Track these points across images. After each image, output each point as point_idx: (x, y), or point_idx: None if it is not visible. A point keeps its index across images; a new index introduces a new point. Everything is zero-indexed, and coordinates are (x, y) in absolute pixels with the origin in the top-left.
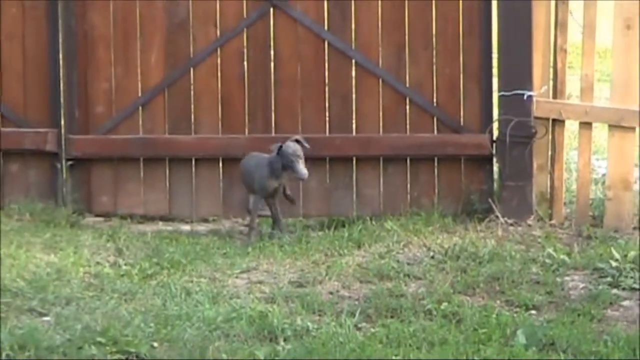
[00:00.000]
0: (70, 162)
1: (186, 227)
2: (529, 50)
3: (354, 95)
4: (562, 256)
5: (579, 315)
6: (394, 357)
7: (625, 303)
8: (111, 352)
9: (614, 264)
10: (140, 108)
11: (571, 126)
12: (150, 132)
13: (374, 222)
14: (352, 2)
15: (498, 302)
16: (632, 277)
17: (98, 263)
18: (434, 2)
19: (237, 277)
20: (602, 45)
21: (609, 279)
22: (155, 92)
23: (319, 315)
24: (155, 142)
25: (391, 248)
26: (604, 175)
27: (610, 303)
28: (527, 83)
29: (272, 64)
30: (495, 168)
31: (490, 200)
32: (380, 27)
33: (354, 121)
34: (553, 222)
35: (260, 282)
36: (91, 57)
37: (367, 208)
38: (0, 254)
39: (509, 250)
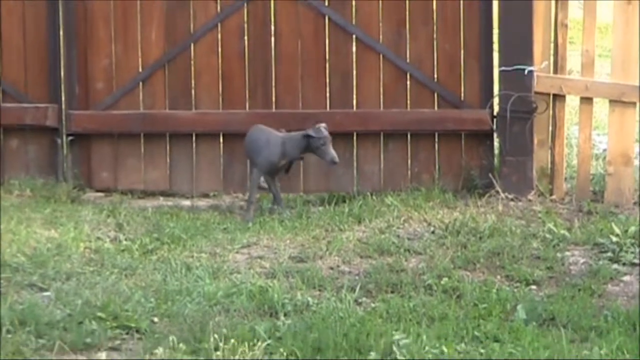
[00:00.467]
0: (70, 138)
1: (186, 203)
2: (529, 25)
3: (354, 71)
4: (562, 231)
5: (579, 290)
6: (394, 332)
7: (626, 278)
8: (111, 327)
9: (614, 239)
10: (140, 84)
11: (572, 101)
12: (151, 107)
13: (374, 198)
14: None
15: (498, 277)
16: (632, 252)
17: (98, 238)
18: None
19: (237, 253)
20: (603, 21)
21: (609, 254)
22: (155, 68)
23: (319, 290)
24: (156, 118)
25: (391, 223)
26: (604, 150)
27: (611, 278)
28: (528, 58)
29: (272, 40)
30: (496, 143)
31: (490, 175)
32: (380, 3)
33: (354, 97)
34: (553, 197)
35: (261, 258)
36: (91, 33)
37: (367, 184)
38: (0, 230)
39: (509, 226)
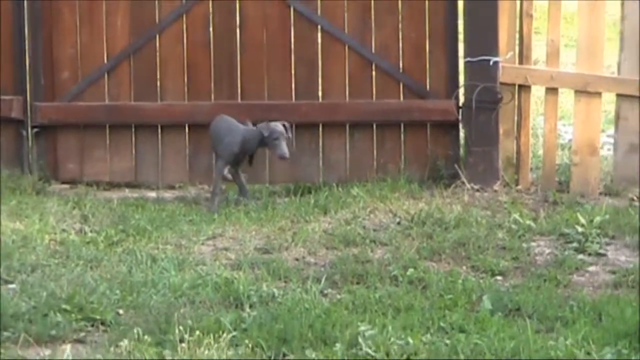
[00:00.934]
0: (35, 129)
1: (152, 194)
2: (494, 15)
3: (319, 61)
4: (528, 222)
5: (544, 280)
6: (359, 323)
7: (591, 268)
8: (76, 319)
9: (579, 229)
10: (106, 74)
11: (537, 92)
12: (116, 98)
13: (340, 189)
14: None
15: (464, 267)
16: (597, 243)
17: (64, 230)
18: None
19: (202, 244)
20: (569, 10)
21: (574, 244)
22: (121, 58)
23: (285, 281)
24: (121, 109)
25: (357, 214)
26: (570, 140)
27: (576, 268)
28: (493, 49)
29: (237, 30)
30: (462, 134)
31: (456, 166)
32: None
33: (319, 87)
34: (519, 187)
35: (226, 249)
36: (56, 22)
37: (333, 174)
38: None
39: (475, 216)
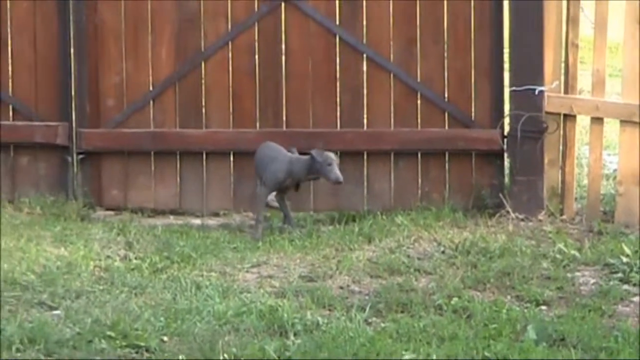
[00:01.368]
0: (80, 156)
1: (196, 221)
2: (540, 45)
3: (364, 90)
4: (572, 251)
5: (589, 310)
6: (404, 352)
7: (636, 299)
8: (121, 346)
9: (624, 259)
10: (150, 101)
11: (582, 121)
12: (161, 125)
13: (384, 217)
14: None
15: (508, 297)
16: None
17: (108, 257)
18: None
19: (247, 272)
20: (614, 41)
21: (619, 274)
22: (166, 86)
23: (329, 309)
24: (166, 136)
25: (401, 243)
26: (614, 170)
27: (621, 299)
28: (538, 78)
29: (282, 59)
30: (506, 163)
31: (500, 195)
32: (391, 21)
33: (364, 116)
34: (564, 217)
35: (271, 277)
36: (101, 50)
37: (377, 202)
38: (0, 247)
39: (519, 246)
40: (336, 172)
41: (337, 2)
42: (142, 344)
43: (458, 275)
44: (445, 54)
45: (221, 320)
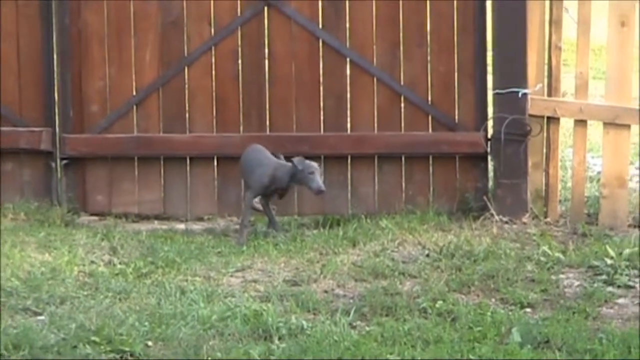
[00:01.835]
0: (64, 161)
1: (181, 226)
2: (523, 47)
3: (348, 94)
4: (557, 254)
5: (574, 313)
6: (388, 356)
7: (620, 301)
8: (105, 351)
9: (609, 261)
10: (134, 107)
11: (566, 124)
12: (145, 130)
13: (368, 221)
14: (347, 0)
15: (493, 300)
16: (627, 275)
17: (92, 262)
18: (428, 0)
19: (231, 276)
20: (597, 43)
21: (604, 276)
22: (150, 91)
23: (314, 313)
24: (150, 141)
25: (386, 246)
26: (599, 173)
27: (605, 301)
28: (522, 81)
29: (266, 63)
30: (490, 166)
31: (485, 198)
32: (374, 25)
33: (348, 120)
34: (548, 219)
35: (255, 281)
36: (85, 55)
37: (362, 206)
38: None
39: (504, 248)
40: (318, 181)
41: (320, 5)
42: (127, 349)
43: (443, 278)
44: (429, 57)
45: (206, 324)
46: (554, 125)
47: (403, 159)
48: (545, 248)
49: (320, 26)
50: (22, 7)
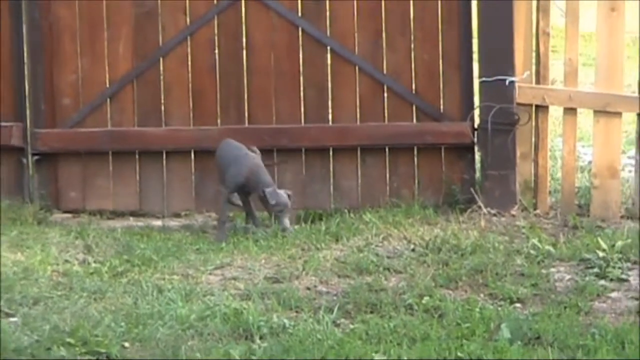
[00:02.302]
0: (36, 157)
1: (157, 223)
2: (510, 34)
3: (329, 84)
4: (547, 247)
5: (565, 307)
6: (374, 355)
7: (613, 295)
8: (81, 353)
9: (601, 254)
10: (108, 100)
11: (555, 112)
12: (119, 124)
13: (352, 215)
14: None
15: (481, 295)
16: (619, 268)
17: (66, 261)
18: None
19: (210, 274)
20: (587, 29)
21: (596, 270)
22: (124, 83)
23: (296, 311)
24: (125, 135)
25: (370, 241)
26: (589, 162)
27: (598, 295)
28: (509, 68)
29: (244, 53)
30: (477, 157)
31: (472, 190)
32: (356, 13)
33: (330, 111)
34: (537, 211)
35: (235, 279)
36: (57, 48)
37: (344, 200)
38: None
39: (492, 242)
40: (285, 222)
41: None
42: (103, 350)
43: (429, 273)
44: (413, 46)
45: (184, 324)
46: (543, 114)
47: (387, 150)
48: (535, 241)
49: (300, 14)
50: None
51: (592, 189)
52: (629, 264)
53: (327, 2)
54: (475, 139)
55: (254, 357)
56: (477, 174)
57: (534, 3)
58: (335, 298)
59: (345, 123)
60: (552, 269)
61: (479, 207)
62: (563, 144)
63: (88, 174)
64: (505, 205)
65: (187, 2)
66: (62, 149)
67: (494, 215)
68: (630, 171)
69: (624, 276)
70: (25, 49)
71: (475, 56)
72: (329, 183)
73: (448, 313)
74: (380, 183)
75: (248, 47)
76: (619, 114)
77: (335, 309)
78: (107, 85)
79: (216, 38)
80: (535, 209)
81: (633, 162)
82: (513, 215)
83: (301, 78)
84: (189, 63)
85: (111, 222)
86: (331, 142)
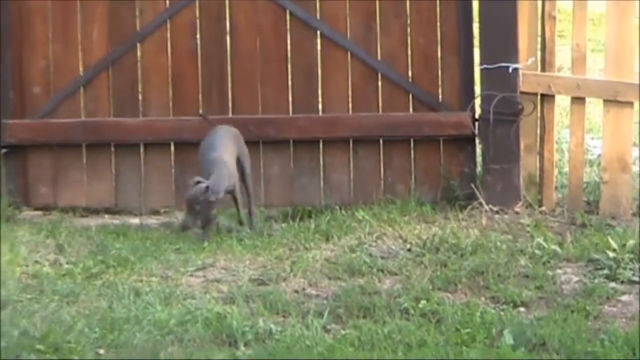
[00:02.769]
0: (4, 150)
1: (134, 220)
2: (513, 17)
3: (319, 71)
4: (553, 246)
5: (572, 312)
6: None
7: (624, 298)
8: None
9: (610, 254)
10: (81, 88)
11: (562, 102)
12: (94, 114)
13: (343, 212)
14: None
15: (482, 298)
16: (630, 269)
17: (37, 262)
18: None
19: (191, 275)
20: (596, 11)
21: (605, 271)
22: (98, 70)
23: (283, 316)
24: (99, 126)
25: (363, 240)
26: (599, 155)
27: (607, 298)
28: (512, 54)
29: (227, 37)
30: (478, 149)
31: (472, 185)
32: None
33: (319, 99)
34: (543, 208)
35: (218, 281)
36: (26, 32)
37: (335, 196)
38: None
39: (494, 241)
40: (207, 234)
41: None
42: (76, 357)
43: (426, 275)
44: (408, 30)
45: (163, 329)
46: (549, 104)
47: (381, 142)
48: (540, 240)
49: None
50: None
51: (602, 184)
52: None
53: None
54: (476, 130)
55: None
56: (478, 168)
57: None
58: (325, 302)
59: (336, 113)
60: (559, 270)
61: (480, 203)
62: (570, 136)
63: (60, 167)
64: (508, 202)
65: None
66: (32, 141)
67: (496, 212)
68: None
69: (635, 278)
70: None
71: (476, 41)
72: (318, 177)
73: (446, 317)
74: (374, 177)
75: (232, 30)
76: (630, 104)
77: (326, 314)
78: (81, 72)
79: (197, 21)
80: (540, 205)
81: None
82: (516, 212)
83: (289, 64)
84: (169, 48)
85: (85, 220)
86: (321, 133)
